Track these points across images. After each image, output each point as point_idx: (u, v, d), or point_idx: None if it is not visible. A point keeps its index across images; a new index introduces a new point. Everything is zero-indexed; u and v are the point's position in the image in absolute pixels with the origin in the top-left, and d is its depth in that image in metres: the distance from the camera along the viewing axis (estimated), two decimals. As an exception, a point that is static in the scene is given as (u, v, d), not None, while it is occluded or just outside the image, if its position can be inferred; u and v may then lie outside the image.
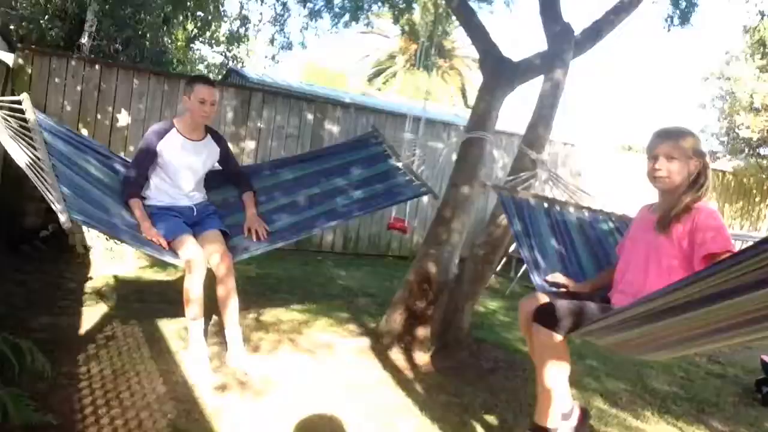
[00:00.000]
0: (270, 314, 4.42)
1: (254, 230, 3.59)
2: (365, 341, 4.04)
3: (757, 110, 11.83)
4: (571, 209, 3.24)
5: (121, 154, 6.48)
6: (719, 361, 4.81)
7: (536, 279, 2.82)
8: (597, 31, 4.24)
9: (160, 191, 3.58)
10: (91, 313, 3.97)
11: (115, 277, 5.04)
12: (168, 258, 3.25)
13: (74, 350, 3.25)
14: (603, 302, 2.48)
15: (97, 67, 6.52)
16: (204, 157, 3.69)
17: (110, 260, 5.48)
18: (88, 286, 4.70)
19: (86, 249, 5.62)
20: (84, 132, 6.39)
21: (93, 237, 5.58)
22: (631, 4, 4.33)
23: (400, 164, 4.19)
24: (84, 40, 9.16)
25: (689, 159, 2.35)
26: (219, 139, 3.81)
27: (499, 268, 7.37)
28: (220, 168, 3.90)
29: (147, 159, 3.53)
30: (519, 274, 6.97)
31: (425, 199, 7.58)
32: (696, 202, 2.29)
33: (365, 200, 3.96)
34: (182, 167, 3.59)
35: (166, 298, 4.45)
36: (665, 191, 2.43)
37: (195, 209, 3.63)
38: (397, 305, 4.06)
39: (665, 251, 2.32)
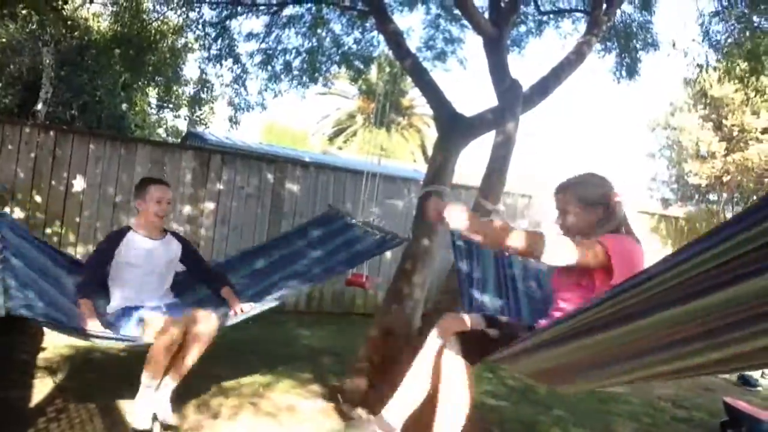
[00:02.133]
0: (231, 378, 4.30)
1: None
2: (329, 402, 3.95)
3: (704, 158, 12.29)
4: (520, 258, 3.29)
5: (77, 219, 6.44)
6: (684, 405, 4.84)
7: (468, 299, 2.99)
8: (544, 86, 4.41)
9: (125, 299, 3.52)
10: (43, 386, 3.80)
11: (69, 347, 4.86)
12: (128, 339, 3.26)
13: (23, 425, 3.09)
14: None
15: (51, 133, 6.46)
16: (166, 254, 3.66)
17: (64, 329, 5.28)
18: (41, 357, 4.51)
19: (39, 319, 5.42)
20: (38, 198, 6.28)
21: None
22: (576, 60, 4.53)
23: (366, 229, 4.22)
24: (39, 106, 9.10)
25: (579, 208, 2.36)
26: (179, 237, 3.84)
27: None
28: (186, 269, 3.86)
29: (103, 261, 3.53)
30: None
31: (388, 254, 7.58)
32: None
33: (340, 263, 4.01)
34: (146, 266, 3.56)
35: (121, 368, 4.30)
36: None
37: (164, 307, 3.55)
38: (361, 363, 4.00)
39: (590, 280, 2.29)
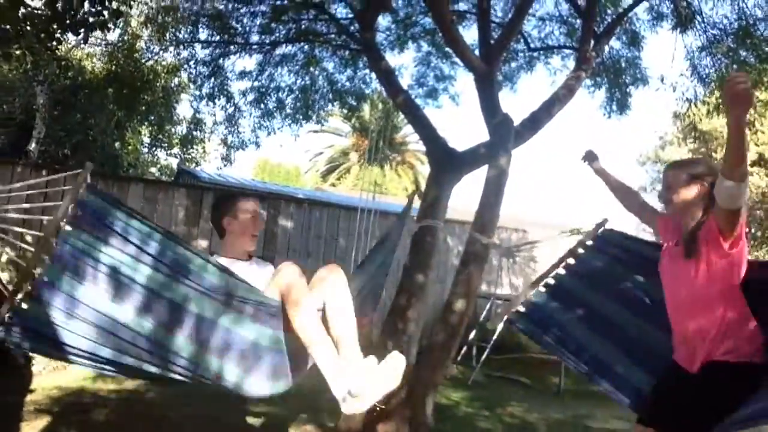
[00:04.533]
0: (223, 418, 4.21)
1: None
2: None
3: (695, 191, 12.41)
4: (562, 271, 3.15)
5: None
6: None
7: (614, 392, 2.67)
8: (535, 121, 4.44)
9: None
10: (31, 429, 3.72)
11: (58, 388, 4.76)
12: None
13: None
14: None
15: (44, 172, 6.44)
16: (261, 277, 2.76)
17: (53, 371, 5.19)
18: (29, 400, 4.42)
19: (27, 360, 5.32)
20: (29, 238, 6.21)
21: (35, 347, 5.31)
22: (566, 96, 4.58)
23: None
24: (32, 146, 9.12)
25: (690, 184, 2.37)
26: (266, 262, 3.04)
27: (460, 357, 7.27)
28: None
29: None
30: (481, 362, 6.87)
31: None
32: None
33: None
34: None
35: (111, 409, 4.21)
36: (679, 215, 2.46)
37: None
38: (356, 401, 3.92)
39: (702, 280, 2.25)
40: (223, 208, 2.92)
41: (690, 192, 2.37)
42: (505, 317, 3.21)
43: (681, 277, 2.35)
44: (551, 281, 3.14)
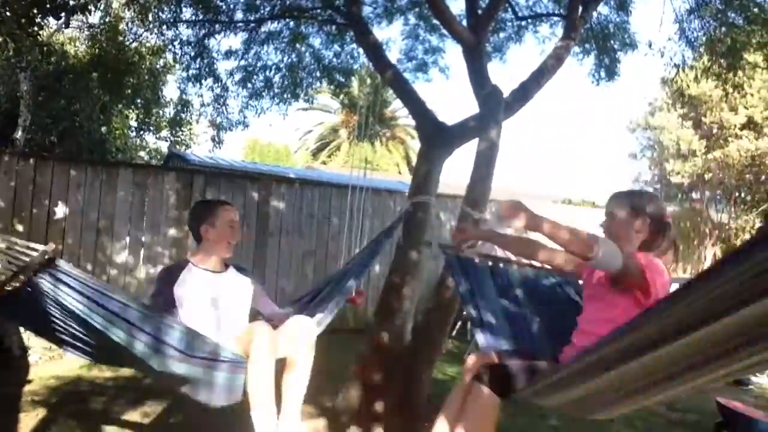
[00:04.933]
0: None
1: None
2: (322, 422, 3.88)
3: (685, 156, 12.36)
4: (515, 267, 3.20)
5: (60, 247, 6.31)
6: (677, 408, 4.80)
7: (482, 338, 2.76)
8: (524, 92, 4.39)
9: None
10: (29, 419, 3.72)
11: (56, 378, 4.76)
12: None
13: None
14: (553, 360, 2.42)
15: (31, 160, 6.37)
16: (238, 289, 2.98)
17: (49, 360, 5.19)
18: (26, 390, 4.42)
19: (24, 351, 5.32)
20: (19, 228, 6.17)
21: (31, 337, 5.29)
22: (555, 65, 4.52)
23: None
24: (18, 134, 9.00)
25: (630, 217, 2.33)
26: (245, 272, 3.12)
27: (455, 332, 7.30)
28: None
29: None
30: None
31: (377, 268, 7.53)
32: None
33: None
34: (211, 307, 2.77)
35: (109, 397, 4.21)
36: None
37: None
38: (353, 380, 3.94)
39: (622, 308, 2.23)
40: (201, 215, 2.95)
41: (628, 224, 2.34)
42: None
43: (599, 298, 2.35)
44: (501, 265, 3.15)
